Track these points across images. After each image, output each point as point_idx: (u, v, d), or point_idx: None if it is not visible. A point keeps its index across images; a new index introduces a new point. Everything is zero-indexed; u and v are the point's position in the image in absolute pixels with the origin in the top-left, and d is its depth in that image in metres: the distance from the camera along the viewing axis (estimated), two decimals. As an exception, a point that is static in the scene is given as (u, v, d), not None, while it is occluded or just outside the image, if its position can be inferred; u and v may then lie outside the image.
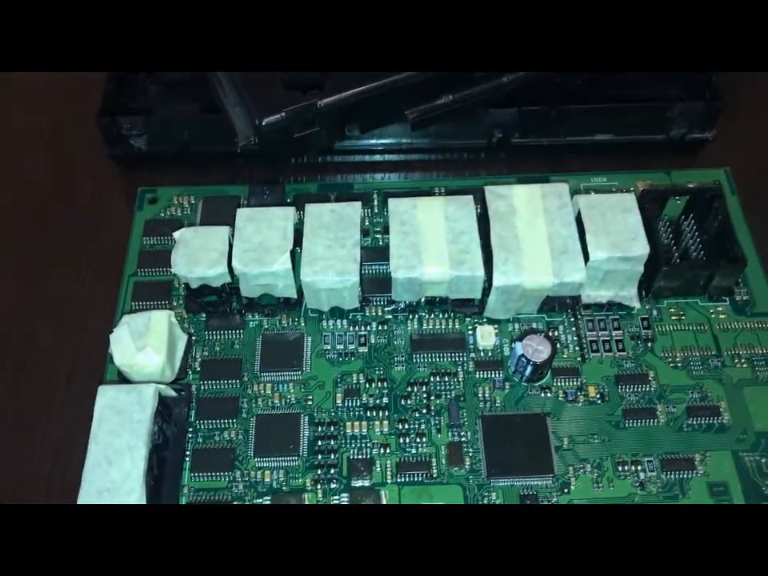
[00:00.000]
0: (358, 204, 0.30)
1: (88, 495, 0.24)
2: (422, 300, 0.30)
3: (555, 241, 0.29)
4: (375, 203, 0.33)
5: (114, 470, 0.24)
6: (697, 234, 0.30)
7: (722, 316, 0.30)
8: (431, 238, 0.29)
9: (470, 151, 0.35)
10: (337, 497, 0.26)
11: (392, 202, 0.30)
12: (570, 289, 0.28)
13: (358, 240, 0.29)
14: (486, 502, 0.26)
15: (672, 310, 0.30)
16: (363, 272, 0.30)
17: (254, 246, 0.28)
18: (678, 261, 0.30)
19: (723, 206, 0.30)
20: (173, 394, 0.27)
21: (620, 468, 0.27)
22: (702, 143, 0.35)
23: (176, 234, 0.29)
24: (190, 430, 0.28)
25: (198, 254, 0.28)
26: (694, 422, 0.28)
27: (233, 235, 0.29)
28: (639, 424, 0.28)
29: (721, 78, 0.34)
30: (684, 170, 0.34)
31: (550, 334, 0.30)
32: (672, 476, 0.27)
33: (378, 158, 0.35)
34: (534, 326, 0.30)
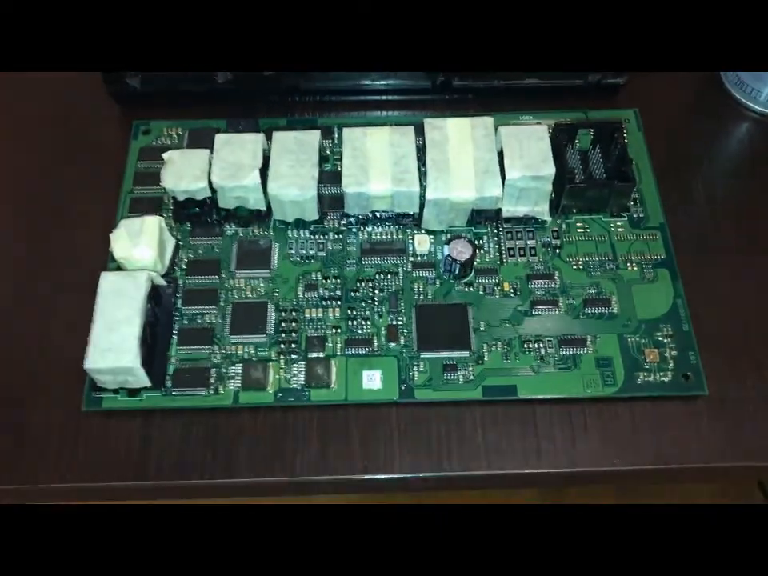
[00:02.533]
0: (317, 132, 0.36)
1: (93, 356, 0.30)
2: (370, 215, 0.36)
3: (479, 164, 0.35)
4: (335, 135, 0.39)
5: (115, 335, 0.30)
6: (601, 161, 0.36)
7: (620, 229, 0.36)
8: (377, 161, 0.35)
9: (417, 92, 0.41)
10: (296, 365, 0.33)
11: (346, 131, 0.36)
12: (490, 203, 0.34)
13: (316, 162, 0.35)
14: (415, 371, 0.32)
15: (579, 225, 0.36)
16: (322, 192, 0.36)
17: (229, 165, 0.34)
18: (582, 180, 0.36)
19: (622, 137, 0.36)
20: (163, 283, 0.33)
21: (525, 345, 0.33)
22: (617, 87, 0.40)
23: (165, 155, 0.35)
24: (177, 314, 0.34)
25: (183, 171, 0.34)
26: (589, 311, 0.34)
27: (212, 157, 0.35)
28: (543, 311, 0.34)
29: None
30: (600, 110, 0.40)
31: (475, 242, 0.36)
32: (567, 352, 0.33)
33: (340, 98, 0.41)
34: (463, 235, 0.36)
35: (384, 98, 0.41)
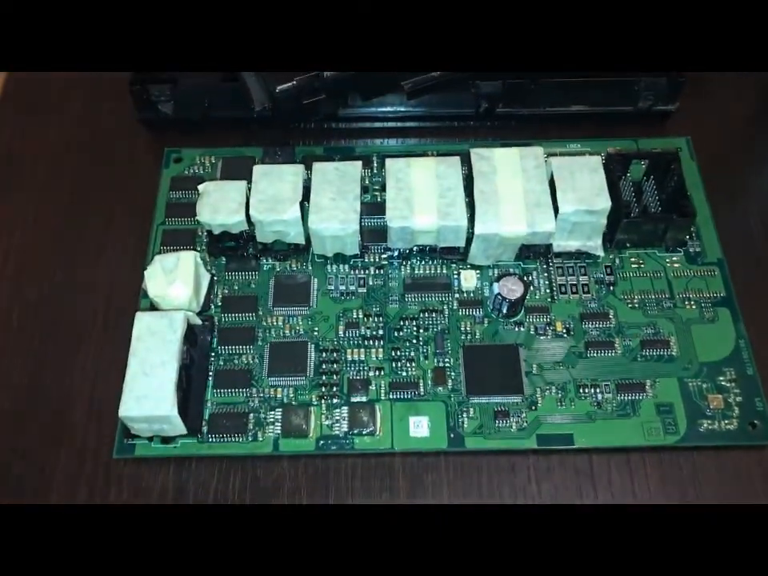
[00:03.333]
0: (359, 163, 0.34)
1: (127, 403, 0.28)
2: (414, 248, 0.34)
3: (530, 196, 0.33)
4: (374, 165, 0.37)
5: (151, 380, 0.29)
6: (656, 193, 0.35)
7: (676, 265, 0.34)
8: (422, 193, 0.33)
9: (459, 119, 0.39)
10: (338, 410, 0.31)
11: (389, 162, 0.34)
12: (541, 238, 0.33)
13: (358, 194, 0.33)
14: (465, 417, 0.31)
15: (633, 260, 0.34)
16: (363, 224, 0.34)
17: (268, 198, 0.33)
18: (637, 215, 0.34)
19: (679, 168, 0.34)
20: (198, 322, 0.32)
21: (581, 390, 0.31)
22: (668, 114, 0.39)
23: (200, 187, 0.33)
24: (213, 354, 0.32)
25: (219, 204, 0.33)
26: (647, 353, 0.32)
27: (249, 188, 0.33)
28: (599, 354, 0.32)
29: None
30: (650, 138, 0.38)
31: (525, 278, 0.34)
32: (625, 397, 0.31)
33: (377, 125, 0.39)
34: (511, 271, 0.34)
35: (423, 124, 0.39)
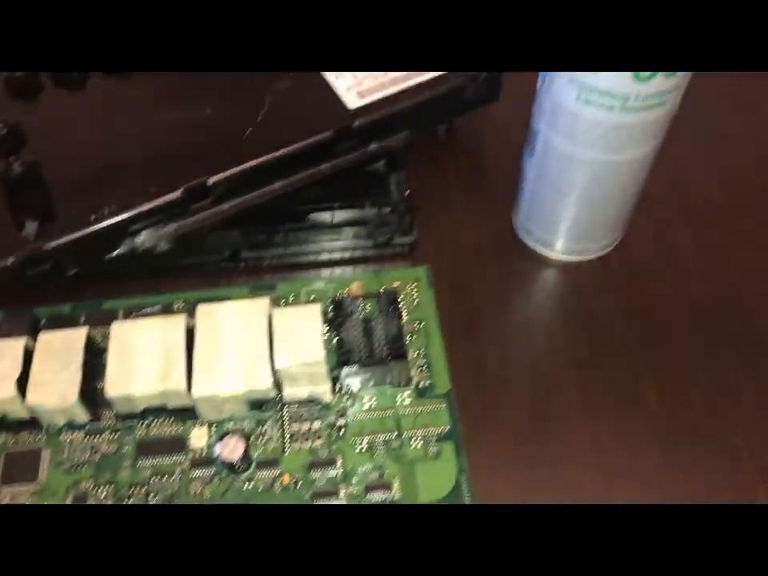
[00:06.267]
0: (84, 330, 0.35)
1: None
2: (144, 411, 0.34)
3: (251, 352, 0.34)
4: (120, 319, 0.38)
5: None
6: (383, 332, 0.36)
7: (407, 401, 0.35)
8: (144, 357, 0.34)
9: (206, 266, 0.40)
10: None
11: (114, 325, 0.35)
12: (262, 393, 0.33)
13: (80, 364, 0.33)
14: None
15: (365, 400, 0.35)
16: (96, 389, 0.34)
17: (-17, 378, 0.33)
18: (362, 358, 0.35)
19: (397, 308, 0.35)
20: None
21: (303, 545, 0.31)
22: (408, 246, 0.40)
23: None
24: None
25: (-67, 389, 0.32)
26: (371, 498, 0.33)
27: (-32, 368, 0.33)
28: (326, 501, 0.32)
29: (413, 193, 0.40)
30: (391, 270, 0.40)
31: (259, 430, 0.34)
32: (346, 548, 0.31)
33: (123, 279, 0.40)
34: (246, 423, 0.34)
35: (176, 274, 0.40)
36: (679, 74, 0.30)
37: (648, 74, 0.29)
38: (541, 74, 0.33)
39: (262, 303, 0.35)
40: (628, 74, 0.29)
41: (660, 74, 0.29)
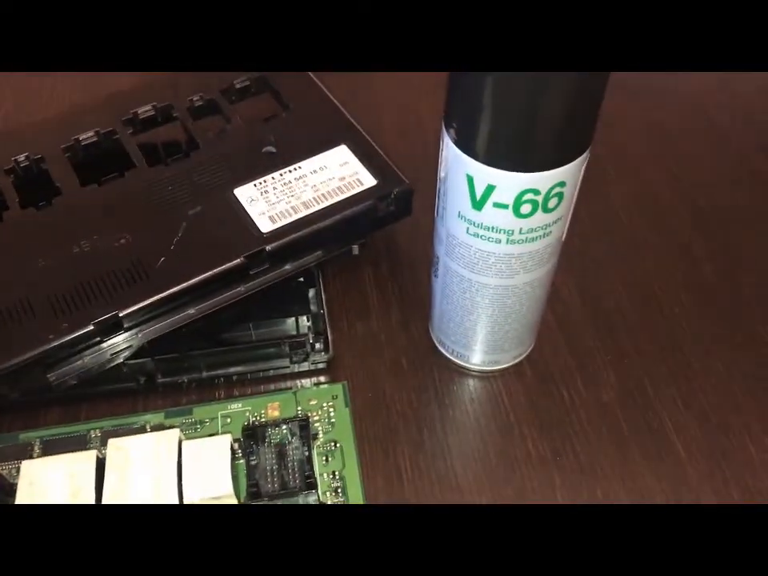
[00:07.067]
0: (-6, 470, 0.35)
1: None
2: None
3: (161, 484, 0.34)
4: (35, 452, 0.38)
5: None
6: (295, 458, 0.36)
7: (321, 526, 0.36)
8: (55, 496, 0.33)
9: (122, 393, 0.40)
10: None
11: (24, 465, 0.35)
12: (171, 528, 0.33)
13: (-14, 506, 0.33)
14: None
15: (279, 526, 0.36)
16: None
17: None
18: (274, 489, 0.35)
19: (308, 434, 0.36)
20: None
21: None
22: (326, 363, 0.41)
23: None
24: None
25: None
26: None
27: None
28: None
29: (330, 306, 0.41)
30: (308, 388, 0.40)
31: (171, 564, 0.34)
32: None
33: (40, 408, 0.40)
34: (158, 557, 0.34)
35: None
36: (560, 206, 0.32)
37: (529, 209, 0.31)
38: (436, 204, 0.35)
39: (172, 435, 0.35)
40: (510, 212, 0.31)
41: (540, 210, 0.31)
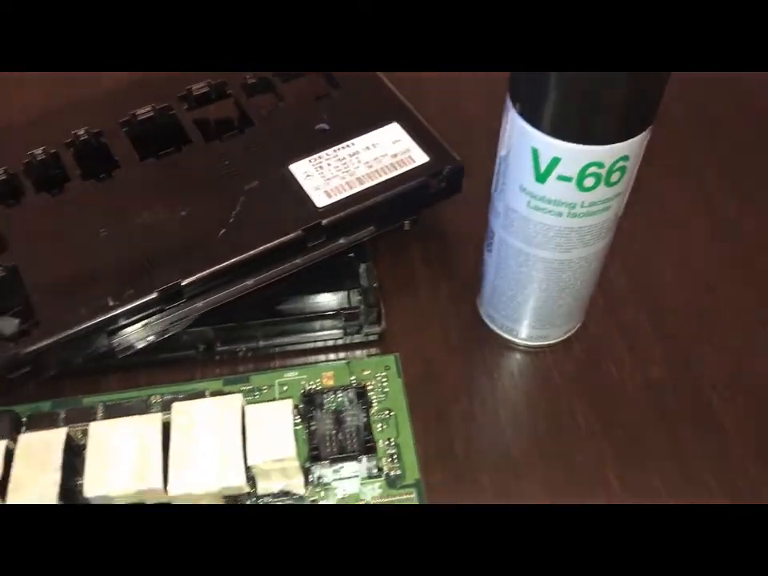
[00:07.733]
0: (64, 430, 0.36)
1: None
2: (125, 506, 0.35)
3: (224, 449, 0.35)
4: (99, 416, 0.39)
5: None
6: (353, 424, 0.37)
7: (378, 491, 0.36)
8: (121, 456, 0.35)
9: (182, 360, 0.41)
10: None
11: (92, 426, 0.36)
12: (236, 489, 0.34)
13: (59, 466, 0.34)
14: None
15: (337, 491, 0.36)
16: (75, 488, 0.35)
17: (-38, 483, 0.34)
18: (333, 451, 0.36)
19: (365, 401, 0.37)
20: None
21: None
22: (378, 335, 0.42)
23: None
24: None
25: None
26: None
27: (-51, 472, 0.34)
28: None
29: (381, 281, 0.42)
30: (362, 359, 0.41)
31: (233, 524, 0.35)
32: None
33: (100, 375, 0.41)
34: (221, 518, 0.35)
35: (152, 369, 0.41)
36: (621, 181, 0.32)
37: (592, 183, 0.31)
38: (494, 178, 0.36)
39: (235, 400, 0.36)
40: (573, 185, 0.32)
41: (603, 183, 0.32)
